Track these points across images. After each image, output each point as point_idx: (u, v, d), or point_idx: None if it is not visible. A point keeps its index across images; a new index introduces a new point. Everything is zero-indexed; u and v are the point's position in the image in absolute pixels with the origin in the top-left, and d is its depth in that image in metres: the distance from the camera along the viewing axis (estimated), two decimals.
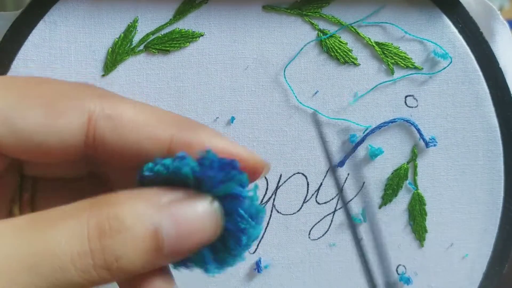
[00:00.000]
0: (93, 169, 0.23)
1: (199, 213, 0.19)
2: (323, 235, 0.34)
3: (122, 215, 0.18)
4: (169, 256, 0.19)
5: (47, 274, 0.17)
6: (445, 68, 0.32)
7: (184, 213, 0.19)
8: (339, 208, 0.34)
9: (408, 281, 0.34)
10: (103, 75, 0.32)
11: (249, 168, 0.21)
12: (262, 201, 0.33)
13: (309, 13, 0.32)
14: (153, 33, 0.32)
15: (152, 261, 0.18)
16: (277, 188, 0.33)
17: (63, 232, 0.17)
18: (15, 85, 0.20)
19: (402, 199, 0.34)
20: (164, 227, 0.18)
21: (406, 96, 0.33)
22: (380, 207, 0.34)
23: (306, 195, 0.33)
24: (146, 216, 0.18)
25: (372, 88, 0.33)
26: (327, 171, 0.33)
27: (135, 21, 0.31)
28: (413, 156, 0.33)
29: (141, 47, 0.32)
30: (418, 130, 0.32)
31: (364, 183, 0.33)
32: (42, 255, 0.17)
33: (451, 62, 0.32)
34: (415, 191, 0.34)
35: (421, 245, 0.34)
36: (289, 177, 0.33)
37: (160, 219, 0.18)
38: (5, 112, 0.18)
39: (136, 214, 0.18)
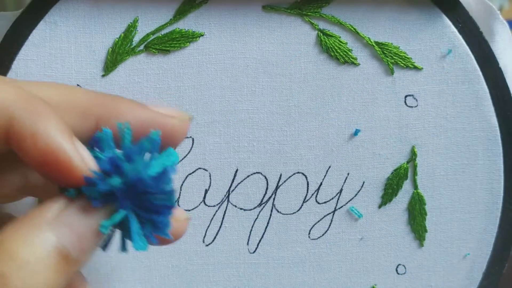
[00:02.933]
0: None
1: (83, 214, 0.19)
2: (323, 235, 0.34)
3: (17, 255, 0.18)
4: (80, 260, 0.19)
5: None
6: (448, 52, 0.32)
7: (73, 218, 0.19)
8: (339, 208, 0.34)
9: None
10: (103, 75, 0.32)
11: (174, 132, 0.22)
12: (262, 200, 0.33)
13: (309, 13, 0.32)
14: (153, 33, 0.32)
15: (66, 274, 0.19)
16: (277, 187, 0.33)
17: None
18: None
19: (402, 199, 0.34)
20: (64, 241, 0.19)
21: (406, 96, 0.33)
22: (380, 207, 0.34)
23: (306, 194, 0.33)
24: (44, 242, 0.18)
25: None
26: (327, 171, 0.33)
27: (135, 21, 0.31)
28: (413, 156, 0.33)
29: (141, 47, 0.32)
30: None
31: (364, 183, 0.33)
32: None
33: (449, 52, 0.32)
34: (415, 191, 0.34)
35: (421, 245, 0.34)
36: (289, 177, 0.33)
37: (58, 236, 0.19)
38: None
39: (32, 246, 0.18)
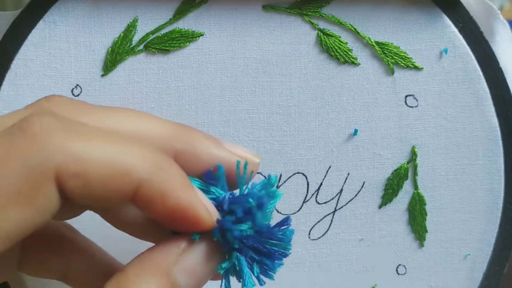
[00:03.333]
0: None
1: (205, 258, 0.20)
2: (323, 235, 0.34)
3: None
4: None
5: None
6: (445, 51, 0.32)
7: (194, 262, 0.20)
8: (339, 208, 0.34)
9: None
10: (102, 75, 0.32)
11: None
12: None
13: (309, 13, 0.32)
14: (153, 32, 0.31)
15: None
16: (277, 188, 0.33)
17: None
18: None
19: (402, 199, 0.34)
20: (179, 280, 0.20)
21: (406, 96, 0.33)
22: (380, 207, 0.34)
23: (306, 195, 0.33)
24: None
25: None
26: (327, 171, 0.33)
27: (135, 20, 0.31)
28: (413, 156, 0.33)
29: (141, 46, 0.32)
30: None
31: (364, 183, 0.33)
32: None
33: (445, 51, 0.32)
34: (415, 191, 0.34)
35: (421, 245, 0.34)
36: (289, 177, 0.33)
37: (176, 279, 0.20)
38: None
39: None
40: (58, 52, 0.31)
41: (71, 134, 0.18)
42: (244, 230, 0.20)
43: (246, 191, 0.21)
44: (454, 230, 0.34)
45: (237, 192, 0.22)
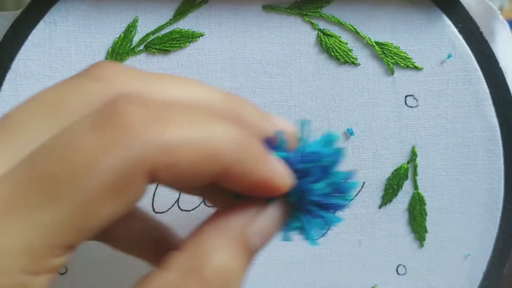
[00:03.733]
0: None
1: (277, 219, 0.21)
2: (323, 236, 0.34)
3: (215, 266, 0.20)
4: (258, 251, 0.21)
5: None
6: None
7: (267, 223, 0.21)
8: None
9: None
10: None
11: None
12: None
13: (309, 13, 0.32)
14: (153, 33, 0.32)
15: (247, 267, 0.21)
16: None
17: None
18: None
19: (402, 199, 0.34)
20: (253, 242, 0.21)
21: (406, 96, 0.33)
22: (380, 207, 0.34)
23: None
24: (240, 249, 0.20)
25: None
26: None
27: (135, 21, 0.31)
28: (413, 156, 0.33)
29: (141, 47, 0.32)
30: None
31: (364, 183, 0.33)
32: None
33: (449, 56, 0.32)
34: (415, 191, 0.34)
35: (421, 245, 0.34)
36: None
37: (250, 241, 0.21)
38: None
39: (228, 258, 0.20)
40: (58, 52, 0.31)
41: (161, 123, 0.18)
42: (322, 189, 0.21)
43: (309, 150, 0.22)
44: (454, 230, 0.34)
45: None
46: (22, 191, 0.17)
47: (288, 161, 0.21)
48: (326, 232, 0.22)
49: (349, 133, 0.33)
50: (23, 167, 0.18)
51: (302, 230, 0.22)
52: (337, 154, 0.22)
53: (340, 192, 0.22)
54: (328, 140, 0.22)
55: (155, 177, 0.18)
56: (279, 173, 0.21)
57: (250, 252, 0.21)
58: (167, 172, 0.18)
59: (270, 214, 0.21)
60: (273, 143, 0.22)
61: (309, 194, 0.21)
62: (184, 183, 0.19)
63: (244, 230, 0.20)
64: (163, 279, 0.19)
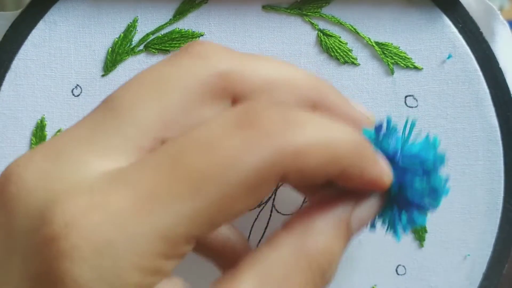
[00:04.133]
0: None
1: (374, 210, 0.23)
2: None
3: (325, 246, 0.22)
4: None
5: None
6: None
7: (366, 213, 0.23)
8: None
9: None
10: (103, 75, 0.32)
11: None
12: (262, 201, 0.33)
13: (309, 13, 0.32)
14: (153, 33, 0.32)
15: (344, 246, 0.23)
16: (277, 188, 0.33)
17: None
18: None
19: None
20: (353, 228, 0.23)
21: (406, 96, 0.33)
22: None
23: None
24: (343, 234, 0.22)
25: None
26: None
27: (135, 21, 0.31)
28: None
29: (141, 47, 0.32)
30: None
31: None
32: None
33: (449, 57, 0.32)
34: None
35: (421, 245, 0.34)
36: None
37: (351, 226, 0.23)
38: None
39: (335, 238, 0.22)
40: (58, 52, 0.31)
41: (293, 127, 0.19)
42: (422, 190, 0.22)
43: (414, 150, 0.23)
44: (454, 230, 0.34)
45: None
46: (167, 181, 0.18)
47: (389, 153, 0.23)
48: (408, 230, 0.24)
49: None
50: (167, 158, 0.19)
51: (390, 223, 0.24)
52: (441, 160, 0.23)
53: (434, 195, 0.23)
54: (431, 144, 0.23)
55: (284, 179, 0.19)
56: (386, 173, 0.22)
57: (349, 236, 0.23)
58: (297, 175, 0.19)
59: (371, 205, 0.23)
60: (382, 130, 0.23)
61: (407, 192, 0.22)
62: (306, 183, 0.20)
63: (347, 217, 0.22)
64: (275, 256, 0.21)
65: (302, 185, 0.22)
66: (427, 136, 0.23)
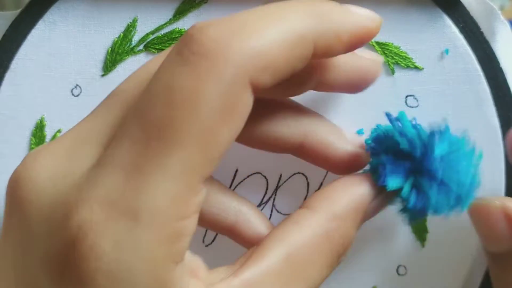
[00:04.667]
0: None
1: (385, 203, 0.26)
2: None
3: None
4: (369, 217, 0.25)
5: None
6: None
7: (378, 205, 0.25)
8: None
9: None
10: (102, 75, 0.32)
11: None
12: (262, 201, 0.33)
13: None
14: (152, 32, 0.31)
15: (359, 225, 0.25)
16: (277, 188, 0.33)
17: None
18: None
19: None
20: (368, 216, 0.25)
21: (406, 96, 0.33)
22: None
23: (306, 195, 0.33)
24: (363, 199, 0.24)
25: None
26: (327, 171, 0.33)
27: (135, 20, 0.31)
28: None
29: (141, 47, 0.32)
30: None
31: None
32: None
33: (446, 52, 0.32)
34: None
35: (422, 246, 0.34)
36: (289, 177, 0.33)
37: (367, 215, 0.25)
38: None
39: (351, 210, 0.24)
40: (57, 52, 0.31)
41: (243, 33, 0.19)
42: (447, 204, 0.24)
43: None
44: (454, 230, 0.34)
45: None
46: (142, 147, 0.18)
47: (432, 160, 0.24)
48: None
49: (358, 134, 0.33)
50: (135, 123, 0.19)
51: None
52: (476, 184, 0.24)
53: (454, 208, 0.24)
54: (475, 159, 0.25)
55: (256, 84, 0.19)
56: (367, 16, 0.24)
57: (363, 222, 0.24)
58: (266, 74, 0.19)
59: (388, 195, 0.25)
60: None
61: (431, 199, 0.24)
62: (283, 78, 0.20)
63: (366, 204, 0.24)
64: (299, 237, 0.22)
65: (284, 85, 0.22)
66: (473, 150, 0.25)
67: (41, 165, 0.20)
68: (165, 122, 0.18)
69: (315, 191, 0.33)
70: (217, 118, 0.18)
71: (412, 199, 0.25)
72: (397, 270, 0.34)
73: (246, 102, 0.19)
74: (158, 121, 0.18)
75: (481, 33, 0.32)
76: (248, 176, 0.33)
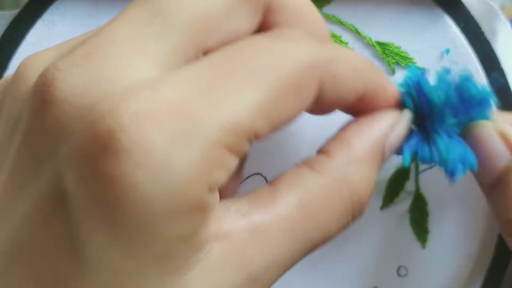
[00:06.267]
0: None
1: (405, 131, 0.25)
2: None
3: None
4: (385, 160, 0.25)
5: None
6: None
7: (398, 137, 0.25)
8: None
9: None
10: None
11: None
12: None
13: None
14: None
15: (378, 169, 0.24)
16: None
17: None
18: None
19: (404, 200, 0.33)
20: (385, 157, 0.24)
21: None
22: (381, 208, 0.34)
23: None
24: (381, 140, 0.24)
25: None
26: None
27: None
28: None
29: None
30: None
31: None
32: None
33: (447, 51, 0.32)
34: (417, 192, 0.33)
35: (423, 246, 0.34)
36: None
37: (385, 152, 0.24)
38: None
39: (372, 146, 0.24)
40: None
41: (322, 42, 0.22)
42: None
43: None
44: (455, 230, 0.34)
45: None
46: (225, 76, 0.19)
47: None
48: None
49: None
50: (221, 59, 0.19)
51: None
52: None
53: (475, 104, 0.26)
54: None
55: (321, 87, 0.21)
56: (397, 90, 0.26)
57: (381, 163, 0.24)
58: (331, 83, 0.21)
59: (403, 128, 0.25)
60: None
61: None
62: (338, 99, 0.22)
63: (383, 142, 0.23)
64: (316, 180, 0.21)
65: (336, 101, 0.22)
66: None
67: (76, 67, 0.19)
68: (249, 65, 0.19)
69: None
70: (288, 87, 0.20)
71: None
72: (397, 271, 0.34)
73: (312, 93, 0.21)
74: (244, 63, 0.19)
75: (482, 33, 0.32)
76: (248, 177, 0.33)
